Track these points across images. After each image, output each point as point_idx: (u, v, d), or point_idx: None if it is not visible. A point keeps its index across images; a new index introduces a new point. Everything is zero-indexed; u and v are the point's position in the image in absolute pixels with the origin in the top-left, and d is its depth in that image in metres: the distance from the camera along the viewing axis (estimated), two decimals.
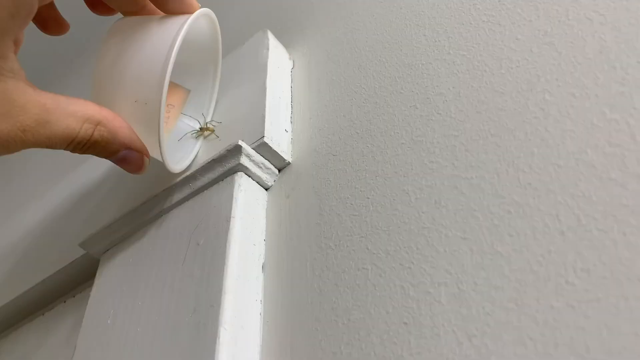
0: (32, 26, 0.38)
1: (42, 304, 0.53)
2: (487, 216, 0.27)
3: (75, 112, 0.33)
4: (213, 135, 0.43)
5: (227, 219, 0.35)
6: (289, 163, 0.40)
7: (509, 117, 0.30)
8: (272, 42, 0.46)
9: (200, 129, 0.43)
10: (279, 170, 0.40)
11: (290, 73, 0.46)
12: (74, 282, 0.50)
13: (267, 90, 0.41)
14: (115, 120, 0.34)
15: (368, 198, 0.33)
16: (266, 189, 0.40)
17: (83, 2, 0.39)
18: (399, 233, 0.30)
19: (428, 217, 0.30)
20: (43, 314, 0.52)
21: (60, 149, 0.33)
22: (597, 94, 0.27)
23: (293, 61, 0.47)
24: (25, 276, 0.52)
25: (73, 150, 0.33)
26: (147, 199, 0.42)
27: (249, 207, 0.37)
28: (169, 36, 0.35)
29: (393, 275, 0.29)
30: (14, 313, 0.54)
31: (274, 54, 0.45)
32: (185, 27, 0.35)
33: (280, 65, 0.45)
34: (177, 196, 0.40)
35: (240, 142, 0.37)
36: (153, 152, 0.37)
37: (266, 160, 0.39)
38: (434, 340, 0.26)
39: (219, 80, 0.45)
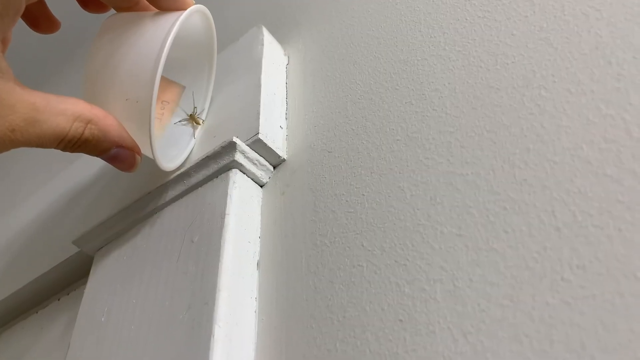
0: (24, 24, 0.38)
1: (36, 302, 0.52)
2: (483, 213, 0.27)
3: (65, 110, 0.32)
4: (207, 132, 0.43)
5: (222, 216, 0.35)
6: (284, 160, 0.40)
7: (505, 113, 0.30)
8: (267, 37, 0.46)
9: (190, 116, 0.43)
10: (274, 167, 0.40)
11: (285, 69, 0.46)
12: (68, 280, 0.50)
13: (262, 86, 0.41)
14: (107, 118, 0.34)
15: (363, 195, 0.33)
16: (261, 186, 0.39)
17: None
18: (394, 230, 0.30)
19: (423, 214, 0.30)
20: (37, 312, 0.52)
21: (50, 147, 0.32)
22: (593, 89, 0.27)
23: (288, 57, 0.47)
24: (19, 274, 0.52)
25: (64, 149, 0.33)
26: (141, 196, 0.42)
27: (244, 204, 0.37)
28: (161, 34, 0.34)
29: (388, 272, 0.29)
30: (8, 311, 0.53)
31: (268, 49, 0.45)
32: (177, 25, 0.35)
33: (275, 61, 0.45)
34: (171, 193, 0.40)
35: (234, 139, 0.37)
36: (145, 150, 0.37)
37: (261, 157, 0.39)
38: (429, 338, 0.26)
39: (214, 76, 0.45)
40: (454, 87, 0.33)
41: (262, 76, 0.42)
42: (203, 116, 0.44)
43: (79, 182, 0.53)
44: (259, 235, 0.37)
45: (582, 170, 0.25)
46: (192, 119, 0.43)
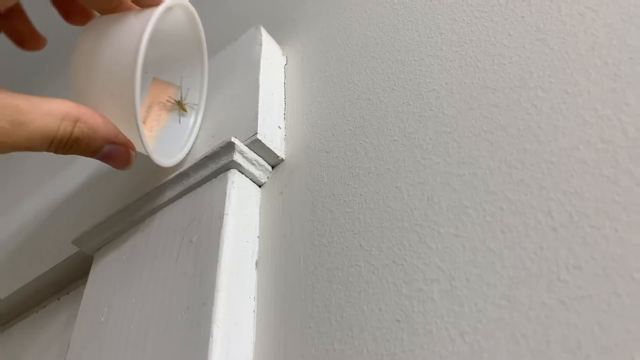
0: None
1: (36, 302, 0.53)
2: (480, 213, 0.27)
3: (51, 110, 0.31)
4: (206, 132, 0.43)
5: (221, 216, 0.35)
6: (282, 160, 0.40)
7: (502, 113, 0.30)
8: (265, 38, 0.46)
9: (177, 102, 0.43)
10: (272, 167, 0.40)
11: (283, 69, 0.46)
12: (67, 280, 0.50)
13: (260, 86, 0.41)
14: (95, 116, 0.34)
15: (361, 195, 0.33)
16: (259, 186, 0.39)
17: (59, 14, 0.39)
18: (391, 230, 0.30)
19: (420, 214, 0.30)
20: (37, 312, 0.52)
21: (41, 150, 0.32)
22: (590, 90, 0.27)
23: (286, 57, 0.47)
24: (19, 274, 0.52)
25: (55, 151, 0.32)
26: (140, 196, 0.42)
27: (242, 204, 0.37)
28: (141, 27, 0.34)
29: (386, 272, 0.29)
30: (7, 310, 0.53)
31: (267, 50, 0.45)
32: (155, 16, 0.34)
33: (273, 61, 0.45)
34: (170, 193, 0.40)
35: (233, 139, 0.37)
36: (139, 147, 0.37)
37: (259, 157, 0.39)
38: (426, 338, 0.26)
39: (207, 71, 0.45)
40: (451, 87, 0.33)
41: (261, 76, 0.42)
42: (200, 113, 0.44)
43: (79, 181, 0.53)
44: (258, 235, 0.37)
45: (579, 171, 0.25)
46: (180, 105, 0.43)
